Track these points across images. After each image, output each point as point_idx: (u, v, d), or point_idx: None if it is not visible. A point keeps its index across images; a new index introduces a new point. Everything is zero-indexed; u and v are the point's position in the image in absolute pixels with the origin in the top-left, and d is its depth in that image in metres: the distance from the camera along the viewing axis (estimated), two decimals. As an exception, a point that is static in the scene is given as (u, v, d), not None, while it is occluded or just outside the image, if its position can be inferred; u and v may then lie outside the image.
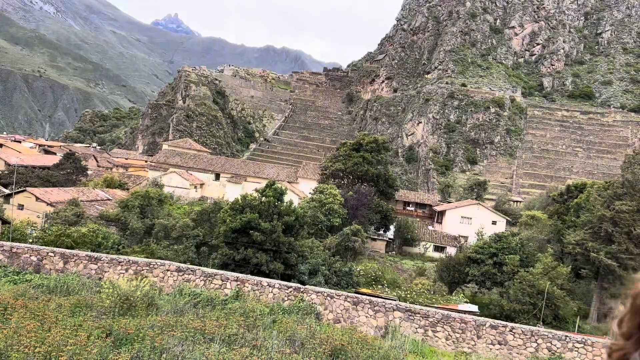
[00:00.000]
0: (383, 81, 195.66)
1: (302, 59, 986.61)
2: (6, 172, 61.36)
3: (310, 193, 61.23)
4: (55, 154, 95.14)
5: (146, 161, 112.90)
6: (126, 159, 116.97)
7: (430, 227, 72.28)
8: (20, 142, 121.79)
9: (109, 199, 54.31)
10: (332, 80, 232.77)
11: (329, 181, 66.08)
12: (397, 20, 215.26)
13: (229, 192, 76.65)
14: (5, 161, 70.90)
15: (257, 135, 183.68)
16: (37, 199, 45.81)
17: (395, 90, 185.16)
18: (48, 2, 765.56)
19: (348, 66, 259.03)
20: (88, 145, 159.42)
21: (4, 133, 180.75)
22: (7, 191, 52.46)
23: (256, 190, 41.38)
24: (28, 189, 47.10)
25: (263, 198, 38.23)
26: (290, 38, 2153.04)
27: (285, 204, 38.42)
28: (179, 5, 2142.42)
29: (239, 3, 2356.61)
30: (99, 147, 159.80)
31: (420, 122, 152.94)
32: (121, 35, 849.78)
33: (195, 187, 79.01)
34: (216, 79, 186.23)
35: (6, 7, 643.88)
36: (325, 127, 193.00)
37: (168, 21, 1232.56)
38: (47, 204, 45.43)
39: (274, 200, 37.54)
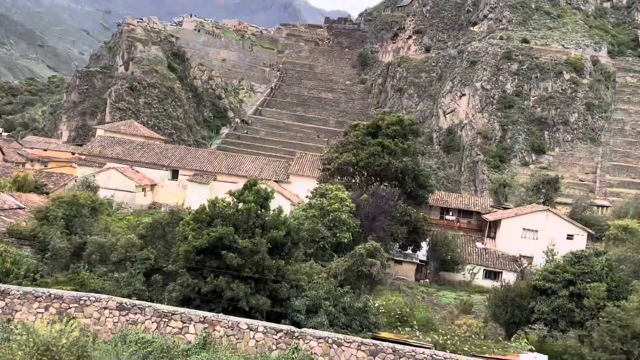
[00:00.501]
0: (410, 37, 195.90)
1: (293, 7, 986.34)
2: None
3: (307, 197, 61.22)
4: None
5: (73, 153, 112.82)
6: (45, 150, 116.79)
7: (478, 244, 72.35)
8: None
9: (20, 208, 54.35)
10: (338, 37, 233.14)
11: (334, 179, 66.14)
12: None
13: (192, 196, 76.72)
14: None
15: (231, 115, 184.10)
16: None
17: (427, 50, 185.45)
18: None
19: (360, 16, 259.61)
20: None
21: None
22: None
23: (230, 194, 41.39)
24: None
25: (240, 205, 38.27)
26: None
27: (272, 212, 38.43)
28: None
29: None
30: (6, 134, 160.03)
31: (464, 95, 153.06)
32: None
33: (144, 190, 79.09)
34: (172, 36, 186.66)
35: None
36: (329, 103, 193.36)
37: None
38: None
39: (256, 207, 37.57)
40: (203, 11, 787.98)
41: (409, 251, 66.13)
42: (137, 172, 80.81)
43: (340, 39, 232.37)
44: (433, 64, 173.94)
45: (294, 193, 77.87)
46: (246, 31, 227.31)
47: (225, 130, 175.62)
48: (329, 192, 56.67)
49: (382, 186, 63.21)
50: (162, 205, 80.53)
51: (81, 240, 42.40)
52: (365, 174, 67.96)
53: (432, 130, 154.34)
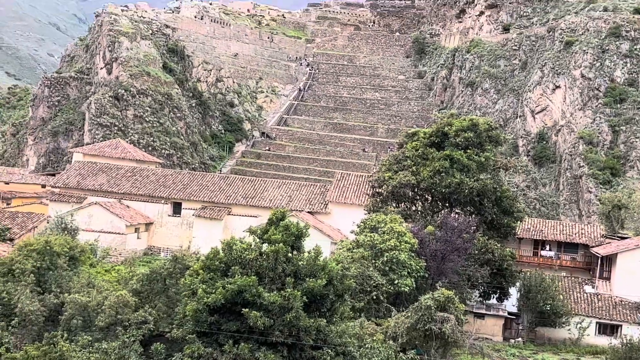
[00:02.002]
0: (482, 13, 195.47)
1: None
2: None
3: (353, 232, 61.11)
4: None
5: (44, 186, 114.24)
6: (7, 183, 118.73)
7: (588, 288, 71.28)
8: None
9: (-22, 260, 55.33)
10: (385, 17, 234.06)
11: (387, 207, 65.93)
12: None
13: (200, 236, 77.11)
14: None
15: (247, 127, 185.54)
16: None
17: (505, 29, 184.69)
18: None
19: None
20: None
21: None
22: None
23: (251, 232, 41.60)
24: None
25: (265, 246, 38.43)
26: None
27: (307, 254, 38.49)
28: None
29: None
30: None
31: (558, 87, 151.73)
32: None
33: (137, 230, 79.79)
34: (167, 26, 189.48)
35: None
36: (376, 105, 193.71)
37: None
38: None
39: (286, 248, 37.69)
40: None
41: (493, 301, 65.34)
42: (128, 207, 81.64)
43: (388, 20, 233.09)
44: (514, 47, 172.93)
45: (334, 227, 77.73)
46: (263, 16, 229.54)
47: (240, 148, 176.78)
48: (382, 225, 56.47)
49: (452, 214, 62.73)
50: (161, 250, 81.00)
51: (57, 301, 42.92)
52: (430, 198, 67.60)
53: (517, 136, 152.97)
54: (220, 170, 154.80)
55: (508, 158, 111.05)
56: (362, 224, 59.45)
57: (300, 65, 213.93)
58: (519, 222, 71.72)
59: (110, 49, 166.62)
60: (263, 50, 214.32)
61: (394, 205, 67.42)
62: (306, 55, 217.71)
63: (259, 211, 79.33)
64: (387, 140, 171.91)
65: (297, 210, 76.46)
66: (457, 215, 62.21)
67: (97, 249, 66.23)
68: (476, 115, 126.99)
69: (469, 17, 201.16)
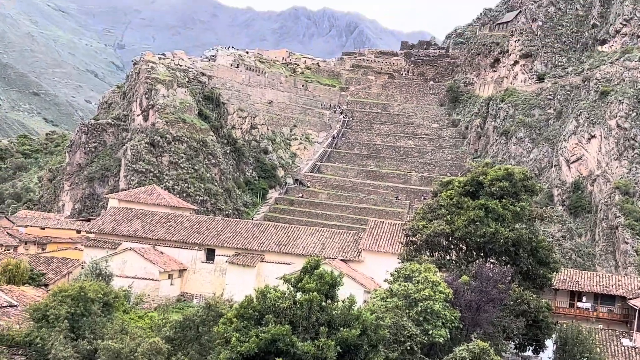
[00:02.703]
0: (516, 62, 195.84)
1: (360, 30, 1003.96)
2: None
3: (386, 280, 60.62)
4: None
5: (79, 231, 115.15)
6: (43, 228, 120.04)
7: (625, 341, 70.08)
8: None
9: (11, 305, 55.52)
10: (419, 66, 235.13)
11: (421, 256, 65.40)
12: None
13: (233, 283, 76.88)
14: None
15: (280, 173, 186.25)
16: None
17: (540, 78, 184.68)
18: None
19: (447, 38, 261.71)
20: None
21: None
22: None
23: (284, 280, 41.39)
24: None
25: (299, 295, 38.20)
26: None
27: (341, 303, 38.20)
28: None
29: None
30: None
31: (594, 137, 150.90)
32: (29, 1, 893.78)
33: (171, 277, 79.79)
34: (204, 74, 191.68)
35: None
36: (410, 153, 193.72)
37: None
38: None
39: (320, 297, 37.44)
40: (242, 39, 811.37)
41: (529, 353, 64.35)
42: (162, 253, 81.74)
43: (422, 69, 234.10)
44: (549, 96, 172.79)
45: (368, 276, 77.20)
46: (298, 64, 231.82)
47: (274, 194, 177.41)
48: (416, 274, 55.98)
49: (487, 264, 62.11)
50: (194, 297, 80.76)
51: (91, 347, 42.86)
52: (464, 247, 66.98)
53: (552, 186, 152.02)
54: (254, 217, 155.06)
55: (543, 208, 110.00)
56: (395, 272, 58.95)
57: (334, 112, 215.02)
58: (554, 273, 70.80)
59: (147, 96, 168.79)
60: (297, 97, 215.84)
61: (428, 254, 66.87)
62: (340, 102, 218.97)
63: (292, 258, 79.03)
64: (421, 188, 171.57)
65: (330, 258, 76.07)
66: (492, 265, 61.54)
67: (131, 295, 66.18)
68: (511, 164, 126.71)
69: (504, 67, 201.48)
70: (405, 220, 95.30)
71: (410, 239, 69.01)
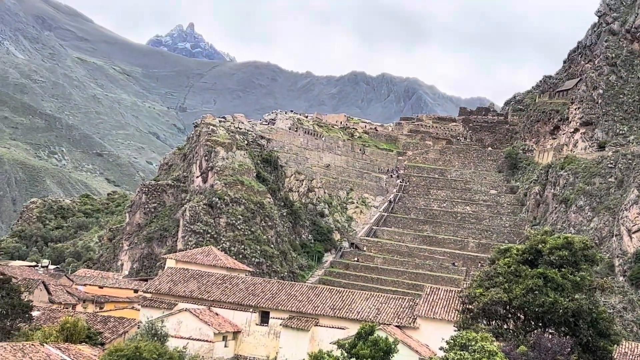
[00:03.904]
0: (576, 130, 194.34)
1: (418, 95, 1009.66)
2: None
3: (442, 348, 59.76)
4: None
5: (136, 291, 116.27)
6: (101, 287, 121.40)
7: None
8: None
9: (69, 363, 55.95)
10: (477, 132, 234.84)
11: (478, 325, 64.44)
12: (599, 16, 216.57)
13: (287, 346, 76.51)
14: None
15: (336, 237, 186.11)
16: (-54, 363, 48.05)
17: (601, 147, 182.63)
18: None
19: (506, 104, 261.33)
20: (34, 263, 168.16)
21: None
22: None
23: (339, 345, 41.16)
24: None
25: (352, 360, 37.88)
26: (395, 58, 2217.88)
27: (395, 371, 37.78)
28: (195, 10, 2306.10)
29: (299, 1, 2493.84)
30: (54, 267, 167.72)
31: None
32: (95, 64, 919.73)
33: (225, 339, 79.67)
34: (262, 137, 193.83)
35: None
36: (467, 219, 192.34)
37: (177, 38, 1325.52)
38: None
39: (374, 364, 37.08)
40: (301, 103, 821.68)
41: None
42: (217, 315, 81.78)
43: (480, 135, 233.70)
44: (610, 165, 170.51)
45: (423, 343, 76.16)
46: (356, 128, 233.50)
47: (329, 258, 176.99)
48: (473, 343, 55.10)
49: (546, 334, 60.94)
50: (247, 359, 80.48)
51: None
52: (522, 317, 65.83)
53: (613, 256, 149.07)
54: (309, 280, 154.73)
55: (604, 278, 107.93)
56: (451, 341, 58.07)
57: (391, 177, 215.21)
58: (615, 345, 69.09)
59: (206, 158, 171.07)
60: (355, 161, 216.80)
61: (485, 322, 65.86)
62: (397, 167, 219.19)
63: (346, 323, 78.38)
64: (478, 254, 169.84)
65: (385, 323, 75.27)
66: (550, 336, 60.33)
67: (185, 356, 66.20)
68: (570, 232, 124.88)
69: (563, 134, 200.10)
70: (462, 287, 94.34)
71: (467, 306, 68.07)
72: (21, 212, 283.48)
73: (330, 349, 44.07)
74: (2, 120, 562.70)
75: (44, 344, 58.41)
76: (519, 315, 65.95)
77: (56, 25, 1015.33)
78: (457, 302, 74.55)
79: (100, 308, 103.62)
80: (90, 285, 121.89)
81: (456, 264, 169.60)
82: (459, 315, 69.94)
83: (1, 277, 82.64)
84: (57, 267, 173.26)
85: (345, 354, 38.82)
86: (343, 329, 76.62)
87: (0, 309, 68.26)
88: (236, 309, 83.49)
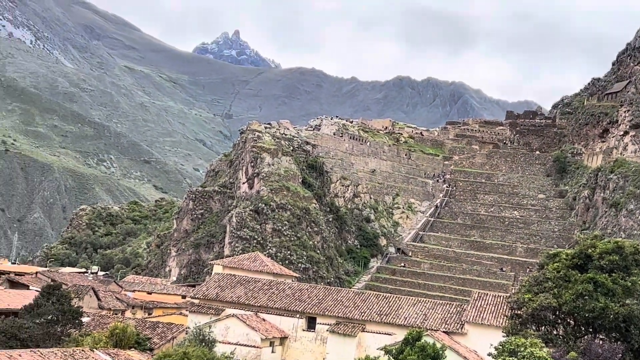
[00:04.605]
0: (626, 133, 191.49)
1: (464, 99, 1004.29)
2: (-57, 321, 65.88)
3: (490, 354, 59.26)
4: (27, 286, 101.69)
5: (184, 297, 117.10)
6: (149, 293, 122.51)
7: None
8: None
9: (118, 368, 56.46)
10: (525, 135, 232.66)
11: (527, 330, 63.79)
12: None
13: (334, 352, 76.36)
14: (-58, 302, 76.28)
15: (382, 242, 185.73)
16: (-2, 368, 48.80)
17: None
18: (23, 24, 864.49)
19: (554, 107, 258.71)
20: (84, 270, 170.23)
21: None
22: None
23: (386, 351, 40.98)
24: (-17, 350, 50.46)
25: (400, 366, 37.69)
26: (440, 62, 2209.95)
27: (443, 377, 37.51)
28: (241, 18, 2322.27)
29: (344, 7, 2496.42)
30: (103, 274, 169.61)
31: None
32: (143, 73, 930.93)
33: (272, 344, 79.78)
34: (308, 142, 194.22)
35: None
36: (515, 224, 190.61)
37: (222, 45, 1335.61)
38: (15, 378, 48.13)
39: (422, 370, 36.85)
40: (346, 108, 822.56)
41: None
42: (264, 320, 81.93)
43: (528, 139, 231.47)
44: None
45: (471, 349, 75.51)
46: (401, 133, 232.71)
47: (375, 263, 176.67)
48: (522, 349, 54.53)
49: (597, 340, 60.11)
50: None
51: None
52: (572, 322, 65.04)
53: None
54: (355, 286, 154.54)
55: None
56: (500, 347, 57.56)
57: (437, 182, 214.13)
58: (668, 351, 68.00)
59: (252, 164, 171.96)
60: (400, 166, 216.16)
61: (534, 328, 65.17)
62: (443, 172, 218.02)
63: (393, 329, 78.04)
64: (527, 260, 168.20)
65: (432, 329, 74.81)
66: (601, 342, 59.50)
67: (233, 361, 66.45)
68: (621, 237, 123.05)
69: (613, 137, 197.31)
70: (510, 293, 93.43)
71: (516, 312, 67.43)
72: (71, 219, 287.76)
73: (377, 354, 43.90)
74: (52, 128, 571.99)
75: (94, 350, 59.06)
76: (568, 320, 65.17)
77: (104, 34, 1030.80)
78: (505, 307, 73.89)
79: (149, 314, 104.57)
80: (138, 291, 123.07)
81: (504, 269, 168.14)
82: (507, 321, 69.30)
83: (52, 283, 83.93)
84: (106, 274, 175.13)
85: (392, 359, 38.62)
86: (390, 334, 76.35)
87: (51, 315, 69.06)
88: (283, 315, 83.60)
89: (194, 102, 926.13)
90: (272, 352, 79.73)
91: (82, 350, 58.47)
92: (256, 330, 77.56)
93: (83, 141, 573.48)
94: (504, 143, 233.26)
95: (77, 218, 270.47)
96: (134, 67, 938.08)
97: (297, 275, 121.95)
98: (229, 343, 74.04)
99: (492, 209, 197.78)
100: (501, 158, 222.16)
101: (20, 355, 52.30)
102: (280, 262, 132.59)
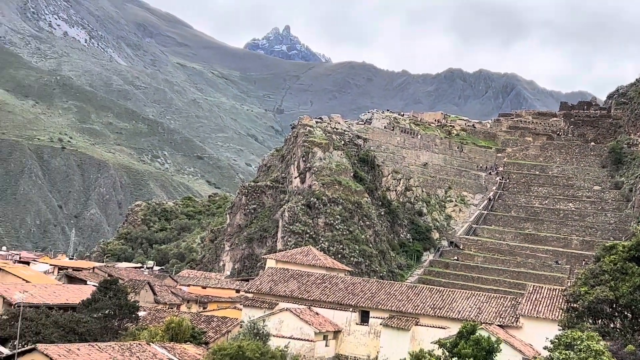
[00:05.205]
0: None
1: (517, 89, 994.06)
2: (5, 316, 66.94)
3: (546, 348, 58.64)
4: (85, 281, 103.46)
5: (238, 291, 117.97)
6: (204, 287, 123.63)
7: None
8: (28, 263, 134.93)
9: (174, 363, 57.03)
10: (579, 127, 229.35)
11: (583, 324, 62.98)
12: None
13: (387, 346, 76.22)
14: (4, 297, 77.29)
15: (435, 236, 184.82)
16: (56, 363, 49.43)
17: None
18: (77, 23, 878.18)
19: (609, 98, 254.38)
20: (140, 265, 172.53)
21: (3, 248, 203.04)
22: (6, 351, 57.29)
23: (440, 344, 40.80)
24: (39, 346, 50.86)
25: (454, 360, 37.44)
26: (492, 54, 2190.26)
27: (498, 371, 37.20)
28: (291, 13, 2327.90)
29: (395, 2, 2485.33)
30: (158, 268, 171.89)
31: None
32: (195, 69, 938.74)
33: (326, 338, 79.88)
34: (359, 136, 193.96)
35: (11, 37, 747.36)
36: (570, 216, 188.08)
37: (273, 41, 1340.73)
38: (73, 372, 48.77)
39: (477, 363, 36.58)
40: (397, 101, 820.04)
41: None
42: (317, 314, 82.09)
43: (582, 130, 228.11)
44: None
45: (526, 342, 74.83)
46: (453, 126, 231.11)
47: (428, 257, 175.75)
48: (578, 342, 53.85)
49: (655, 333, 59.17)
50: (348, 359, 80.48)
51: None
52: (629, 315, 64.08)
53: None
54: (408, 279, 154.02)
55: None
56: (556, 340, 56.90)
57: (490, 174, 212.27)
58: None
59: (304, 159, 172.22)
60: (452, 159, 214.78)
61: (591, 321, 64.32)
62: (496, 164, 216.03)
63: (447, 322, 77.62)
64: (582, 252, 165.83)
65: (486, 322, 74.24)
66: (660, 335, 58.57)
67: (287, 355, 66.67)
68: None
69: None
70: (566, 286, 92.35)
71: (572, 305, 66.62)
72: (126, 215, 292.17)
73: (431, 348, 43.63)
74: (106, 126, 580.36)
75: (151, 344, 59.84)
76: (626, 313, 64.19)
77: (157, 32, 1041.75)
78: (561, 300, 73.07)
79: (204, 308, 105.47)
80: (193, 285, 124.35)
81: (559, 262, 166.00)
82: (563, 314, 68.51)
83: (109, 278, 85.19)
84: (162, 268, 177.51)
85: (447, 353, 38.41)
86: (444, 328, 75.96)
87: (108, 310, 70.07)
88: (336, 309, 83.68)
89: (245, 97, 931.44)
90: (326, 345, 79.89)
91: (139, 344, 59.31)
92: (310, 324, 77.78)
93: (137, 138, 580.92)
94: (558, 134, 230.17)
95: (132, 214, 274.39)
96: (186, 64, 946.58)
97: (350, 269, 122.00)
98: (283, 337, 74.35)
99: (546, 201, 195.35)
100: (555, 150, 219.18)
101: (78, 349, 53.19)
102: (333, 256, 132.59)
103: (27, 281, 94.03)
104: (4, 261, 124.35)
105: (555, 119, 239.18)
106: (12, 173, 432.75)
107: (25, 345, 54.39)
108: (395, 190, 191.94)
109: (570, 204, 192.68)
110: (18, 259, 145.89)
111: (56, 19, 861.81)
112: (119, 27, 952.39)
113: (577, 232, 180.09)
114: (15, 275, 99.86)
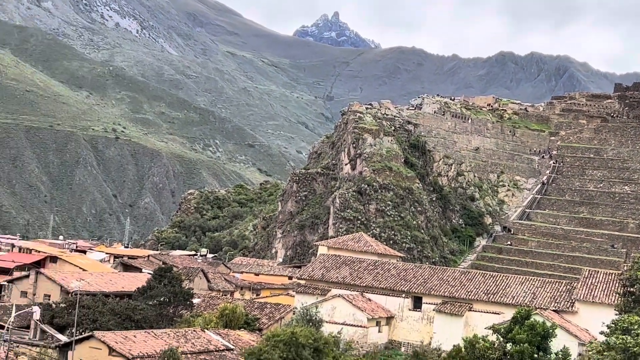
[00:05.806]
0: None
1: (570, 72, 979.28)
2: (63, 304, 68.23)
3: (602, 332, 57.86)
4: (140, 269, 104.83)
5: (290, 277, 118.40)
6: (257, 274, 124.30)
7: None
8: (84, 251, 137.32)
9: (228, 349, 57.45)
10: (634, 108, 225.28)
11: (640, 308, 62.04)
12: None
13: (441, 331, 75.91)
14: (62, 286, 78.78)
15: (488, 221, 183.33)
16: (112, 350, 50.10)
17: None
18: (129, 14, 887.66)
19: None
20: (194, 252, 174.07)
21: (60, 237, 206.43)
22: (64, 338, 58.36)
23: (494, 330, 40.51)
24: (96, 333, 51.81)
25: (509, 345, 37.19)
26: (544, 36, 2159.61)
27: (553, 356, 36.81)
28: (339, 0, 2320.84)
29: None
30: (212, 256, 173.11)
31: None
32: (245, 58, 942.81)
33: (379, 324, 79.85)
34: (410, 122, 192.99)
35: (64, 29, 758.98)
36: (626, 199, 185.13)
37: (322, 27, 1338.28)
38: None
39: (531, 349, 36.26)
40: (448, 86, 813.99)
41: None
42: (370, 300, 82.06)
43: (638, 111, 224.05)
44: None
45: (582, 328, 73.92)
46: (505, 110, 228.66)
47: (481, 242, 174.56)
48: (635, 327, 53.05)
49: None
50: (401, 345, 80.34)
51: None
52: (688, 299, 62.97)
53: None
54: (461, 265, 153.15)
55: None
56: (613, 325, 56.08)
57: (543, 158, 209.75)
58: None
59: (354, 145, 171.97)
60: (505, 144, 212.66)
61: (648, 306, 63.34)
62: (550, 148, 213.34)
63: (500, 308, 76.98)
64: (639, 236, 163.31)
65: (541, 308, 73.45)
66: None
67: (340, 341, 66.82)
68: None
69: None
70: (622, 270, 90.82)
71: (629, 289, 65.62)
72: (180, 204, 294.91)
73: (485, 334, 43.31)
74: (159, 115, 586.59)
75: (205, 330, 60.45)
76: (684, 298, 63.12)
77: (207, 21, 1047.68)
78: (617, 285, 72.00)
79: (257, 295, 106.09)
80: (246, 272, 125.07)
81: (615, 245, 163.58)
82: (620, 299, 67.55)
83: (163, 266, 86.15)
84: (215, 256, 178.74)
85: (501, 339, 38.11)
86: (498, 314, 75.37)
87: (163, 297, 70.92)
88: (388, 295, 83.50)
89: (295, 85, 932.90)
90: (379, 331, 79.89)
91: (194, 330, 59.98)
92: (362, 310, 77.81)
93: (189, 127, 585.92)
94: (613, 117, 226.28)
95: (185, 202, 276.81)
96: (236, 53, 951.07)
97: (402, 255, 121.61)
98: (336, 323, 74.50)
99: (601, 185, 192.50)
100: (610, 132, 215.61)
101: (135, 336, 53.95)
102: (385, 242, 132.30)
103: (83, 270, 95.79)
104: (61, 250, 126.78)
105: (609, 100, 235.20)
106: (67, 163, 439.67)
107: (83, 333, 55.26)
108: (447, 176, 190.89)
109: (626, 187, 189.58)
110: (75, 247, 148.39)
111: (108, 10, 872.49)
112: (169, 17, 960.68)
113: (634, 216, 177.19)
114: (72, 264, 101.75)
